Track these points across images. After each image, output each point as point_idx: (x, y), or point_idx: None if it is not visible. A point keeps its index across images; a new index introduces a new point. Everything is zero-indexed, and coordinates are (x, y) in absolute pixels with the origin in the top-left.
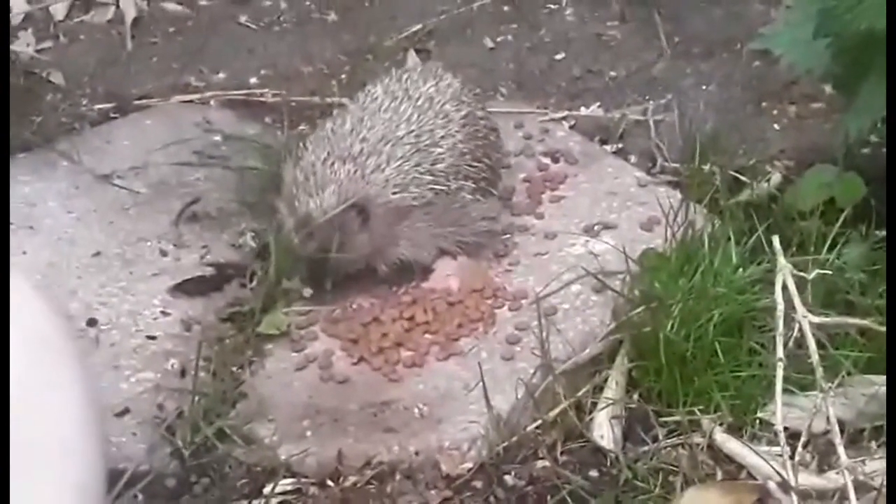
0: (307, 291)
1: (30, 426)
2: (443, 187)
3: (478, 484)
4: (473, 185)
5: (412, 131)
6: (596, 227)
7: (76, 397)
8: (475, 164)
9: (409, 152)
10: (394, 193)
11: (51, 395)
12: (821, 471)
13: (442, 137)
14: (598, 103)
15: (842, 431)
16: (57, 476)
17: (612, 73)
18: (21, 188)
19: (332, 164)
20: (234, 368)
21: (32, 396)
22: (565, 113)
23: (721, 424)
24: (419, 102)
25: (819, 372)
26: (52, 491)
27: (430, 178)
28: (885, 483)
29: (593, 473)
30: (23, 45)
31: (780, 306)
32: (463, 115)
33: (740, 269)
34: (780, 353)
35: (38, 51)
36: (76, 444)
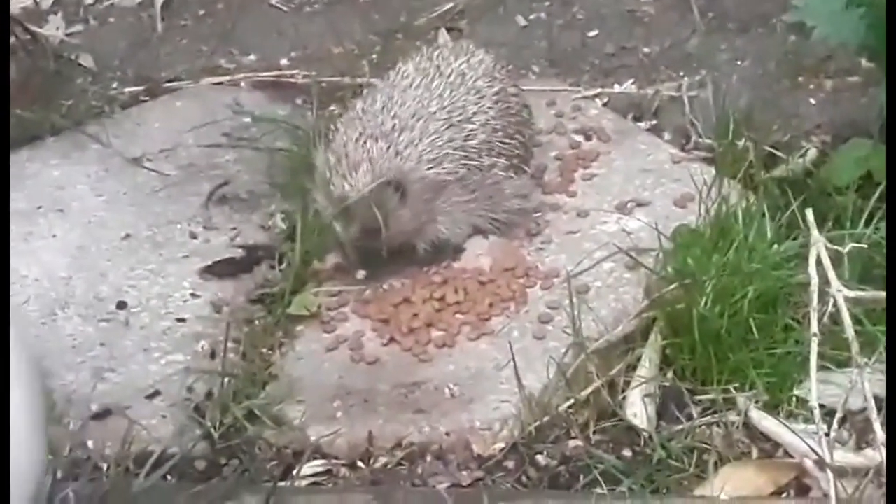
0: (361, 273)
1: None
2: (476, 163)
3: (510, 464)
4: (506, 162)
5: (444, 107)
6: (629, 205)
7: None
8: (508, 140)
9: (441, 128)
10: (428, 168)
11: None
12: (858, 448)
13: (474, 113)
14: (631, 80)
15: (879, 408)
16: None
17: (646, 50)
18: (51, 171)
19: (364, 142)
20: (264, 350)
21: None
22: (598, 90)
23: (756, 402)
24: (451, 79)
25: (855, 347)
26: None
27: (463, 153)
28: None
29: (626, 452)
30: (52, 29)
31: (814, 280)
32: (495, 91)
33: (775, 245)
34: (814, 327)
35: (68, 34)
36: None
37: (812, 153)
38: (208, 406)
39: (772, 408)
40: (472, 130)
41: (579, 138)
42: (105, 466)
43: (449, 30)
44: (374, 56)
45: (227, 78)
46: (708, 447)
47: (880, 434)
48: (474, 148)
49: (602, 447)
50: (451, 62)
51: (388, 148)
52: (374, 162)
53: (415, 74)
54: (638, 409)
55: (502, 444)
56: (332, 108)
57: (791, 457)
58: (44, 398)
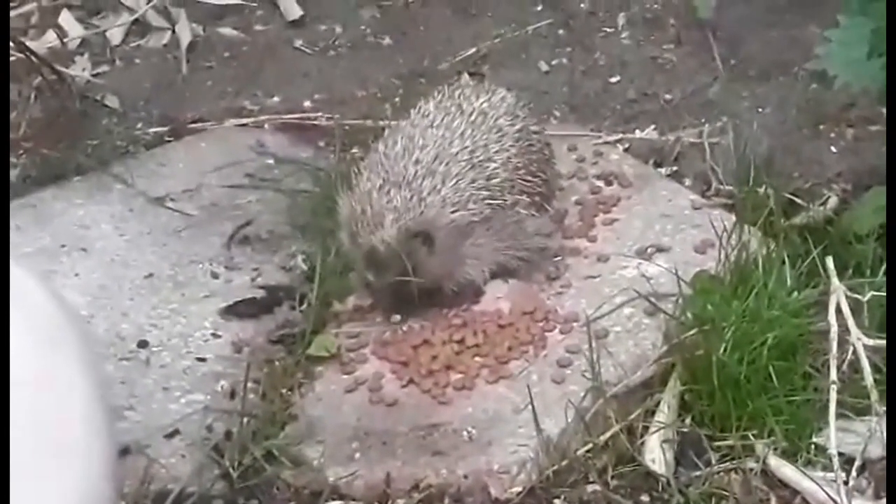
0: (396, 317)
1: (28, 423)
2: (499, 202)
3: None
4: (528, 200)
5: (466, 147)
6: (649, 250)
7: (81, 390)
8: (530, 178)
9: (463, 169)
10: (452, 212)
11: (53, 388)
12: (876, 497)
13: (496, 152)
14: (652, 126)
15: None
16: (57, 481)
17: (668, 96)
18: (75, 211)
19: (388, 191)
20: (284, 390)
21: (32, 390)
22: (619, 136)
23: (775, 449)
24: (472, 118)
25: (874, 395)
26: (53, 499)
27: (487, 193)
28: None
29: (644, 498)
30: (79, 70)
31: (834, 328)
32: (517, 129)
33: (795, 292)
34: (833, 375)
35: (94, 75)
36: (80, 443)
37: (833, 201)
38: (227, 446)
39: (790, 455)
40: (494, 169)
41: (600, 184)
42: None
43: (471, 74)
44: (397, 99)
45: (251, 120)
46: (726, 494)
47: None
48: (497, 187)
49: (620, 492)
50: (473, 101)
51: (412, 197)
52: (399, 212)
53: (436, 113)
54: (656, 455)
55: (520, 488)
56: (354, 150)
57: None
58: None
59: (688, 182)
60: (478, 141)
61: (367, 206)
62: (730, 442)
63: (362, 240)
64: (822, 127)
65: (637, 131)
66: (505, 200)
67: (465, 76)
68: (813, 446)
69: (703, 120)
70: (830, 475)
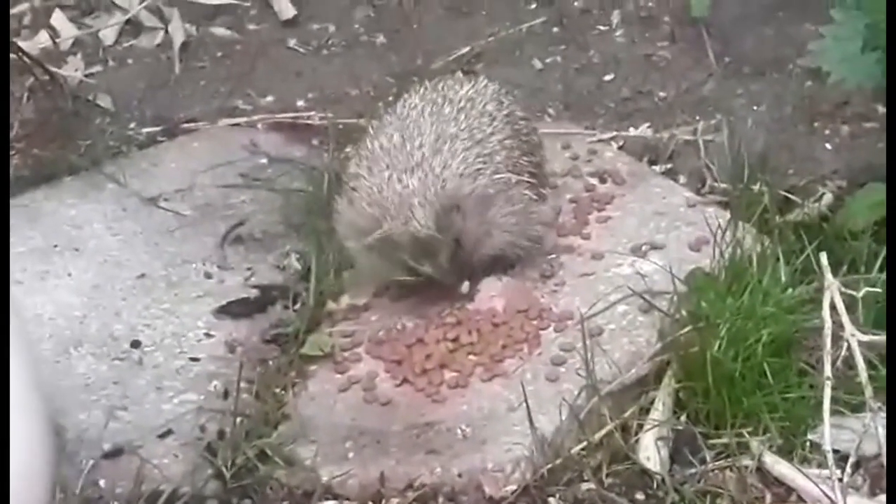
0: (465, 287)
1: None
2: (504, 177)
3: None
4: (528, 183)
5: (462, 129)
6: (643, 248)
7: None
8: (525, 160)
9: (468, 145)
10: (470, 184)
11: None
12: (872, 494)
13: (491, 133)
14: (647, 124)
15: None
16: None
17: (662, 94)
18: (67, 210)
19: (400, 179)
20: (277, 390)
21: None
22: (614, 133)
23: (770, 447)
24: (461, 105)
25: (868, 392)
26: None
27: (493, 168)
28: None
29: (639, 496)
30: (71, 70)
31: (828, 324)
32: (505, 113)
33: (789, 289)
34: (827, 371)
35: (86, 75)
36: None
37: (828, 198)
38: (220, 445)
39: (785, 452)
40: (493, 149)
41: (594, 181)
42: None
43: (465, 73)
44: (391, 98)
45: (244, 119)
46: (721, 491)
47: None
48: (500, 165)
49: (615, 490)
50: (458, 90)
51: (426, 175)
52: (421, 193)
53: (423, 104)
54: (651, 453)
55: (514, 487)
56: (348, 149)
57: (804, 502)
58: (53, 437)
59: (682, 179)
60: (472, 123)
61: (385, 202)
62: (724, 439)
63: (399, 236)
64: (816, 124)
65: (631, 129)
66: (509, 179)
67: (459, 74)
68: (808, 443)
69: (697, 117)
70: (825, 472)
